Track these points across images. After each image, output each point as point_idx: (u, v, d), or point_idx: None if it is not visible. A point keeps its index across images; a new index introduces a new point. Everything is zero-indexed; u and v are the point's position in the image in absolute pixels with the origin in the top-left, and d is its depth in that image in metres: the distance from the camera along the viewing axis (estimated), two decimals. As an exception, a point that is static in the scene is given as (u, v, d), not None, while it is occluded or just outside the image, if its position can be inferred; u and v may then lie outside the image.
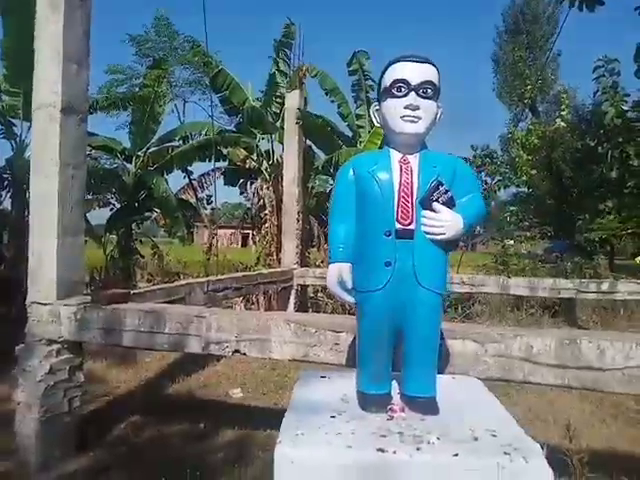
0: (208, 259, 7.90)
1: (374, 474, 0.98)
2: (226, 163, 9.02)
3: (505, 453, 0.99)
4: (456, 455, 0.98)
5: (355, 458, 0.99)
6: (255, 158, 8.36)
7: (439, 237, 1.26)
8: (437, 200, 1.26)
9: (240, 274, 5.14)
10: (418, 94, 1.27)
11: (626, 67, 9.78)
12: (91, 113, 8.43)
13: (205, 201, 10.25)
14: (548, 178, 16.07)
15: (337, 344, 2.14)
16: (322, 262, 7.25)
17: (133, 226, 8.89)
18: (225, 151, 8.61)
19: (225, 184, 9.40)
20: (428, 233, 1.26)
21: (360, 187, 1.32)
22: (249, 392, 3.81)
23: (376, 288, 1.26)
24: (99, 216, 9.74)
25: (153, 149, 9.03)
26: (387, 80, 1.31)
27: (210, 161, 8.59)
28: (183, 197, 9.52)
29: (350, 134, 8.46)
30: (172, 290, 3.60)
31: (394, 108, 1.29)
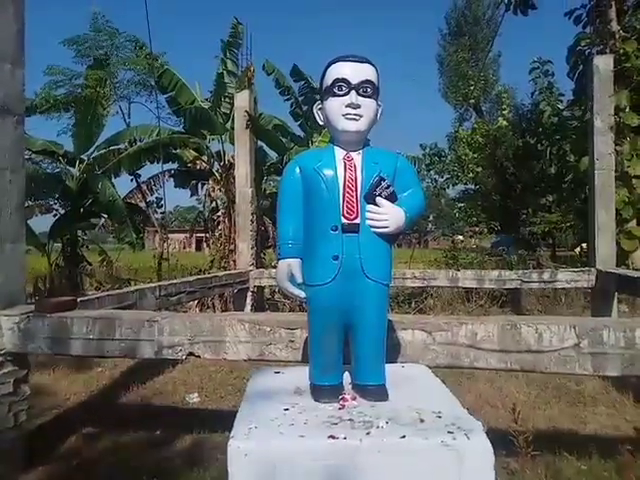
0: (160, 264, 7.72)
1: (326, 460, 1.01)
2: (176, 165, 8.84)
3: (449, 432, 1.04)
4: (403, 437, 1.03)
5: (307, 446, 1.02)
6: (206, 159, 8.26)
7: (383, 230, 1.30)
8: (380, 195, 1.31)
9: (193, 277, 5.06)
10: (358, 93, 1.31)
11: (560, 68, 10.39)
12: (29, 115, 8.04)
13: (155, 205, 10.00)
14: (493, 175, 16.76)
15: (292, 341, 2.16)
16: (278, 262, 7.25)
17: (79, 233, 8.55)
18: (174, 152, 8.43)
19: (176, 186, 9.23)
20: (372, 227, 1.30)
21: (306, 184, 1.36)
22: (206, 396, 3.75)
23: (325, 282, 1.29)
24: (42, 223, 9.31)
25: (98, 152, 8.72)
26: (328, 79, 1.35)
27: (159, 163, 8.40)
28: (131, 201, 9.24)
29: (302, 134, 8.51)
30: (122, 296, 3.49)
31: (336, 107, 1.33)
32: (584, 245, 9.92)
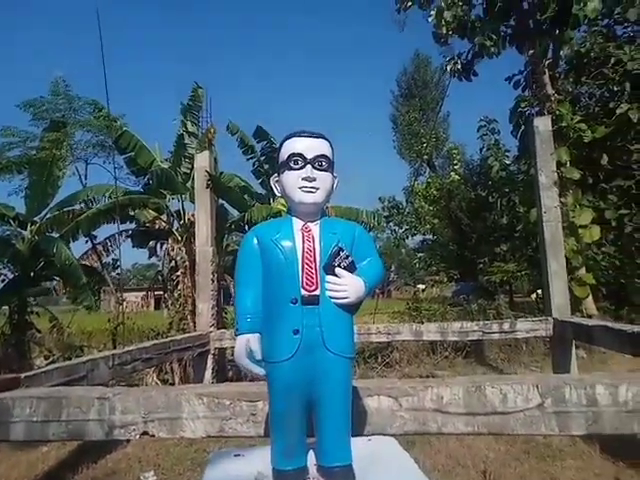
0: (115, 328, 7.37)
1: None
2: (134, 225, 8.67)
3: (419, 518, 0.99)
4: (372, 528, 0.97)
5: None
6: (165, 218, 8.15)
7: (343, 301, 1.29)
8: (339, 265, 1.31)
9: (150, 343, 4.83)
10: (314, 167, 1.34)
11: (505, 126, 11.12)
12: (-22, 178, 7.79)
13: (111, 266, 9.67)
14: (449, 226, 17.37)
15: (254, 414, 2.06)
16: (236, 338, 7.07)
17: (29, 298, 8.10)
18: (132, 213, 8.29)
19: (134, 246, 8.99)
20: (333, 297, 1.29)
21: (264, 255, 1.34)
22: (164, 474, 3.50)
23: (285, 358, 1.25)
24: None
25: (52, 214, 8.47)
26: (284, 154, 1.37)
27: (115, 224, 8.21)
28: (86, 263, 8.91)
29: (264, 192, 8.60)
30: (72, 369, 3.27)
31: (292, 180, 1.35)
32: (539, 291, 10.25)
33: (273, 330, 1.28)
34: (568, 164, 7.78)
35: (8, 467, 3.71)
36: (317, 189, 1.34)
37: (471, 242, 15.82)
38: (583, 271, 7.72)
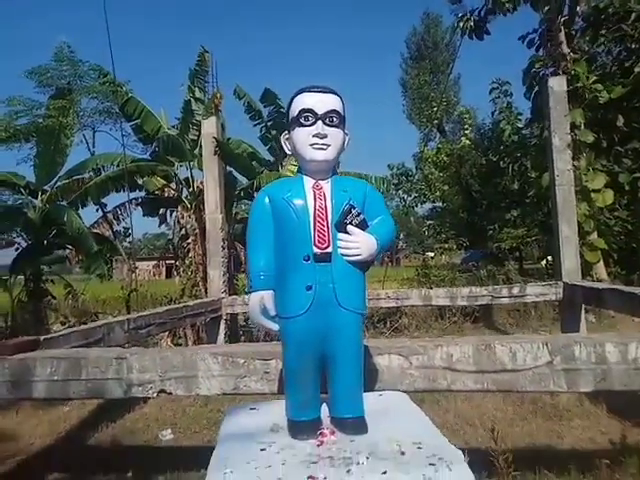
0: (129, 295, 7.50)
1: (306, 503, 0.97)
2: (143, 193, 8.69)
3: (430, 464, 1.02)
4: (384, 473, 1.00)
5: (286, 489, 0.98)
6: (174, 186, 8.16)
7: (355, 258, 1.29)
8: (351, 223, 1.31)
9: (164, 308, 4.92)
10: (325, 123, 1.32)
11: (518, 89, 10.83)
12: (-13, 147, 7.81)
13: (122, 234, 9.75)
14: (459, 193, 17.19)
15: (267, 372, 2.11)
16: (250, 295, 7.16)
17: (43, 266, 8.24)
18: (141, 181, 8.30)
19: (144, 215, 9.04)
20: (345, 255, 1.29)
21: (276, 214, 1.34)
22: (180, 432, 3.62)
23: (299, 313, 1.27)
24: (3, 257, 8.95)
25: (62, 182, 8.50)
26: (294, 110, 1.35)
27: (125, 192, 8.24)
28: (97, 231, 9.00)
29: (272, 158, 8.54)
30: (88, 332, 3.36)
31: (303, 137, 1.33)
32: (549, 258, 10.21)
33: (286, 287, 1.30)
34: (582, 126, 7.60)
35: (31, 426, 3.86)
36: (328, 146, 1.33)
37: (481, 209, 15.68)
38: (595, 236, 7.65)
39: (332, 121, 1.33)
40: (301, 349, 1.28)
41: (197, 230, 7.66)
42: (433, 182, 18.11)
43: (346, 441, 1.18)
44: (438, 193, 18.33)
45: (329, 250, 1.29)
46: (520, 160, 11.50)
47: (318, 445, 1.17)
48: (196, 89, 8.19)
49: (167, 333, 6.13)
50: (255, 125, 8.56)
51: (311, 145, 1.32)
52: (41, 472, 2.94)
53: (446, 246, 17.51)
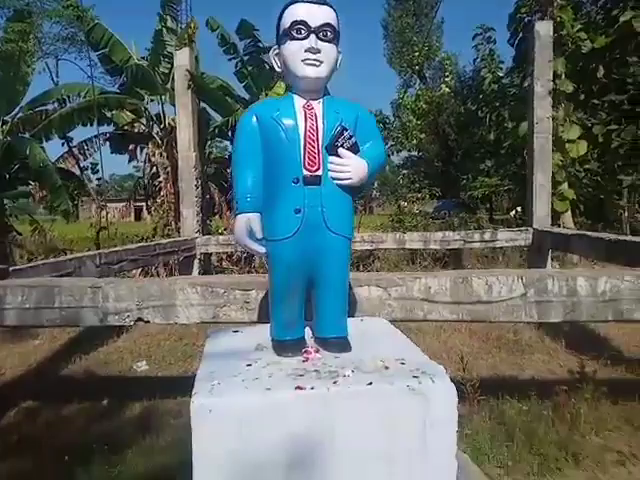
0: (98, 233, 7.32)
1: (294, 411, 0.99)
2: (112, 128, 8.31)
3: (414, 377, 1.06)
4: (370, 384, 1.03)
5: (274, 399, 1.00)
6: (144, 122, 7.82)
7: (346, 182, 1.27)
8: (342, 145, 1.27)
9: (136, 245, 4.85)
10: (318, 37, 1.25)
11: (501, 35, 10.61)
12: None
13: (90, 171, 9.39)
14: (436, 141, 17.17)
15: (247, 302, 2.12)
16: (225, 230, 7.09)
17: (6, 201, 7.91)
18: (110, 114, 7.91)
19: (112, 152, 8.70)
20: (335, 178, 1.27)
21: (264, 134, 1.29)
22: (155, 364, 3.66)
23: (287, 236, 1.25)
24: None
25: (24, 114, 8.01)
26: (286, 22, 1.26)
27: (92, 126, 7.85)
28: (63, 166, 8.63)
29: (247, 96, 8.22)
30: (59, 265, 3.27)
31: (294, 51, 1.26)
32: (519, 209, 10.44)
33: (275, 209, 1.27)
34: (563, 76, 7.57)
35: (1, 357, 3.83)
36: (321, 62, 1.26)
37: (456, 158, 15.77)
38: (565, 186, 7.83)
39: (326, 35, 1.26)
40: (288, 271, 1.27)
41: (169, 168, 7.46)
42: (410, 130, 17.95)
43: (331, 358, 1.21)
44: (415, 141, 18.22)
45: (319, 173, 1.26)
46: (498, 110, 11.45)
47: (304, 361, 1.20)
48: (168, 18, 7.70)
49: (139, 270, 6.06)
50: (230, 59, 8.16)
51: (303, 61, 1.26)
52: (14, 400, 2.94)
53: (419, 195, 17.65)
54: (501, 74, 11.42)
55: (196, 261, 5.78)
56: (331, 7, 1.29)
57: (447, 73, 16.57)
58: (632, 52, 7.78)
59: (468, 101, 13.88)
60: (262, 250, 1.30)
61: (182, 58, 6.07)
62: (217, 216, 8.16)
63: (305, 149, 1.25)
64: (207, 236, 6.00)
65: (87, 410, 2.85)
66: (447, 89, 15.69)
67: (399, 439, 1.01)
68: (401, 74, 24.21)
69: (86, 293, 2.21)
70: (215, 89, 7.44)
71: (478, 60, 12.02)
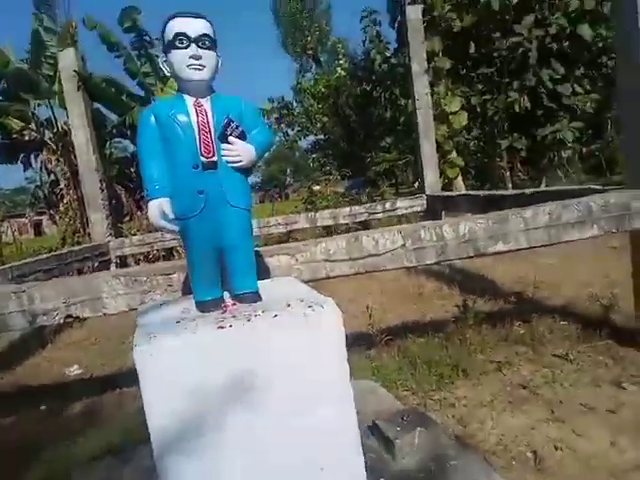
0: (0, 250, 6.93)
1: (217, 345, 1.27)
2: (-1, 138, 7.80)
3: (309, 307, 1.37)
4: (275, 316, 1.33)
5: (201, 338, 1.26)
6: (34, 128, 7.44)
7: (238, 165, 1.54)
8: (231, 134, 1.54)
9: (47, 255, 4.76)
10: (198, 45, 1.50)
11: (386, 18, 11.21)
12: None
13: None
14: (338, 124, 17.75)
15: (170, 285, 2.33)
16: (138, 231, 7.02)
17: None
18: (-6, 124, 7.42)
19: (2, 162, 8.15)
20: (229, 162, 1.54)
21: (162, 131, 1.52)
22: (87, 367, 3.72)
23: (194, 214, 1.50)
24: None
25: None
26: (169, 34, 1.50)
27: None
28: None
29: (142, 92, 8.09)
30: (-31, 282, 3.23)
31: (179, 58, 1.50)
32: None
33: (181, 192, 1.51)
34: (440, 54, 8.30)
35: None
36: (204, 67, 1.51)
37: (359, 138, 16.46)
38: (454, 154, 8.64)
39: (205, 44, 1.51)
40: (199, 243, 1.53)
41: (69, 174, 7.21)
42: (313, 114, 18.39)
43: (246, 306, 1.49)
44: (319, 125, 18.71)
45: (214, 159, 1.52)
46: (390, 89, 12.18)
47: (223, 312, 1.47)
48: (44, 17, 7.34)
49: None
50: (117, 57, 7.96)
51: (188, 66, 1.50)
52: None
53: (330, 178, 18.20)
54: (389, 54, 12.12)
55: (112, 266, 5.74)
56: (206, 19, 1.54)
57: (340, 56, 17.16)
58: (494, 29, 8.72)
59: (363, 82, 14.54)
60: (176, 229, 1.54)
61: (67, 59, 5.90)
62: (128, 218, 8.01)
63: (200, 140, 1.51)
64: (120, 239, 5.97)
65: (26, 418, 2.90)
66: (342, 72, 16.26)
67: (301, 354, 1.33)
68: (297, 59, 24.53)
69: (10, 298, 2.29)
70: (107, 88, 7.26)
71: (367, 42, 12.64)
